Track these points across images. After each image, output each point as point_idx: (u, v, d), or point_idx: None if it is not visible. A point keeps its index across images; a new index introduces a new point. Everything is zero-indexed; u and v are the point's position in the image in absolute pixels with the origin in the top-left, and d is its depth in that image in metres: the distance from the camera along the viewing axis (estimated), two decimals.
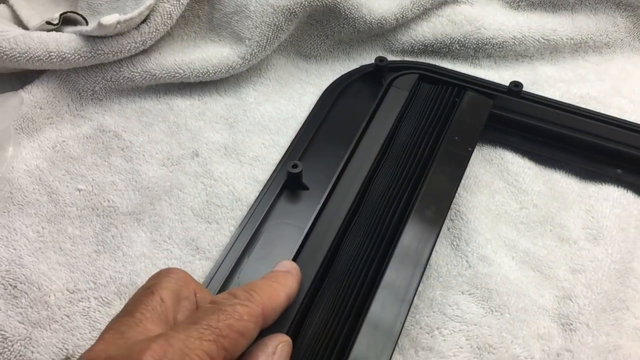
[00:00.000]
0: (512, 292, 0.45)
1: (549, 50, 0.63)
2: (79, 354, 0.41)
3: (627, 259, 0.47)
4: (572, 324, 0.44)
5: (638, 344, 0.44)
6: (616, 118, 0.55)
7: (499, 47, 0.61)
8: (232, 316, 0.31)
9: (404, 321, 0.39)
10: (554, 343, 0.43)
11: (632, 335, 0.44)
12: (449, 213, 0.48)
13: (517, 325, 0.44)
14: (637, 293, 0.46)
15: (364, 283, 0.42)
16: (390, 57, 0.61)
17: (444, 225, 0.46)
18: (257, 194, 0.50)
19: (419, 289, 0.44)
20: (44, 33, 0.52)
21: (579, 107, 0.56)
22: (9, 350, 0.41)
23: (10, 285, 0.44)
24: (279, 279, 0.37)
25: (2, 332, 0.42)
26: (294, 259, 0.43)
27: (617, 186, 0.52)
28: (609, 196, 0.51)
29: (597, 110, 0.56)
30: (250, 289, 0.34)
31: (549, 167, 0.54)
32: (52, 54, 0.51)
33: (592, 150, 0.53)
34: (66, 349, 0.41)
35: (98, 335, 0.42)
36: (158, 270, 0.44)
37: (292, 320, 0.39)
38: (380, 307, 0.40)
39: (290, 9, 0.56)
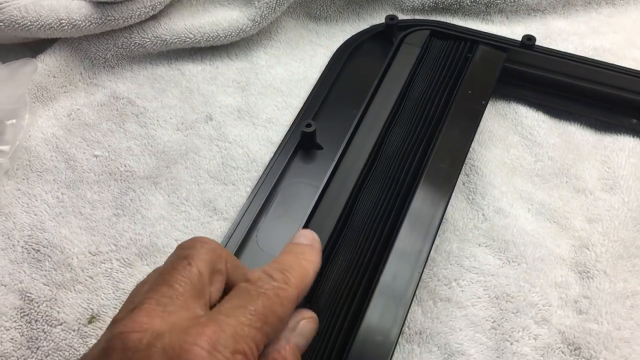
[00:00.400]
0: (529, 243, 0.45)
1: (561, 3, 0.62)
2: (104, 314, 0.42)
3: None
4: (589, 272, 0.44)
5: None
6: (630, 69, 0.54)
7: (511, 2, 0.60)
8: (274, 302, 0.30)
9: (422, 272, 0.40)
10: (572, 290, 0.43)
11: None
12: (463, 168, 0.49)
13: (534, 275, 0.44)
14: None
15: (380, 238, 0.42)
16: (401, 16, 0.60)
17: (459, 179, 0.46)
18: (272, 154, 0.50)
19: (436, 242, 0.45)
20: (54, 1, 0.52)
21: (593, 59, 0.55)
22: (36, 311, 0.42)
23: (34, 249, 0.45)
24: (306, 256, 0.36)
25: (28, 294, 0.43)
26: (310, 217, 0.43)
27: (633, 136, 0.51)
28: (625, 146, 0.51)
29: (611, 62, 0.55)
30: (284, 269, 0.33)
31: (564, 119, 0.53)
32: (63, 21, 0.51)
33: (606, 101, 0.53)
34: (91, 309, 0.42)
35: (123, 296, 0.43)
36: (177, 231, 0.46)
37: None
38: (398, 260, 0.40)
39: None
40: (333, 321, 0.39)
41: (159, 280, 0.30)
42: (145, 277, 0.32)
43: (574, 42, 0.59)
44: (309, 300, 0.40)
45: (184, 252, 0.32)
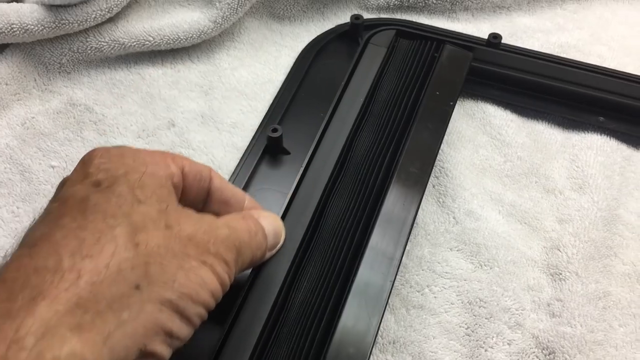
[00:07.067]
0: (501, 245, 0.45)
1: (526, 0, 0.62)
2: None
3: (613, 206, 0.47)
4: (561, 274, 0.44)
5: (627, 289, 0.44)
6: (596, 66, 0.54)
7: None
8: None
9: (394, 279, 0.39)
10: (544, 293, 0.43)
11: (621, 281, 0.44)
12: (433, 170, 0.48)
13: (506, 278, 0.44)
14: (624, 239, 0.46)
15: (351, 244, 0.41)
16: (366, 15, 0.59)
17: (429, 182, 0.45)
18: (238, 161, 0.48)
19: (407, 247, 0.44)
20: (5, 4, 0.49)
21: (559, 56, 0.55)
22: None
23: None
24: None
25: None
26: None
27: (600, 134, 0.51)
28: (593, 144, 0.51)
29: (577, 59, 0.55)
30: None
31: (532, 118, 0.53)
32: (14, 26, 0.49)
33: (573, 99, 0.53)
34: None
35: None
36: None
37: (281, 284, 0.39)
38: (370, 267, 0.39)
39: None
40: (305, 334, 0.38)
41: None
42: None
43: (540, 39, 0.59)
44: (280, 311, 0.39)
45: None
